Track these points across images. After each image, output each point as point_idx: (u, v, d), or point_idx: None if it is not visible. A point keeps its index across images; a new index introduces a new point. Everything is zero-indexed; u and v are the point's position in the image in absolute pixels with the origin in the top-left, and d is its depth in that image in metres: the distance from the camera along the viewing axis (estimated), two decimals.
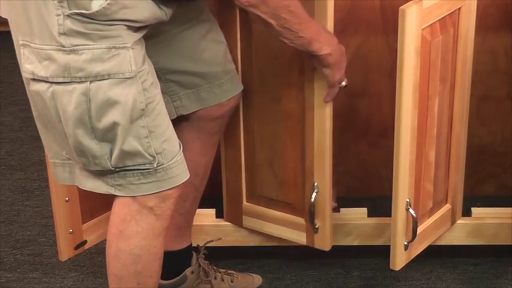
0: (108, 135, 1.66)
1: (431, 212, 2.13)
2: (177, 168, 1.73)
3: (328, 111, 1.97)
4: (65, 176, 1.79)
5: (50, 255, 2.42)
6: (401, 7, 1.82)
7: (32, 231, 2.53)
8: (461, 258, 2.37)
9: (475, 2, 2.01)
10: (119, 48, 1.62)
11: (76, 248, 2.14)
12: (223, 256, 2.31)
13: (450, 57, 2.01)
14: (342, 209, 2.26)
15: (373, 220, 2.26)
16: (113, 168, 1.69)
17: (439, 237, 2.21)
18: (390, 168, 1.99)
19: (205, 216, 2.27)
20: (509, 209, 2.26)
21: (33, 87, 1.67)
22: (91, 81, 1.61)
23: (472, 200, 2.38)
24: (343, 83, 1.92)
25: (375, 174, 2.58)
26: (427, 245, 2.15)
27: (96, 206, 2.15)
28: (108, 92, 1.62)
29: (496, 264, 2.35)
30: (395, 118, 1.91)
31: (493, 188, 2.59)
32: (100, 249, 2.41)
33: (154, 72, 1.74)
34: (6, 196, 2.71)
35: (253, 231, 2.26)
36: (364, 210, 2.27)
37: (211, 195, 2.26)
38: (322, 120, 1.98)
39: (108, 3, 1.58)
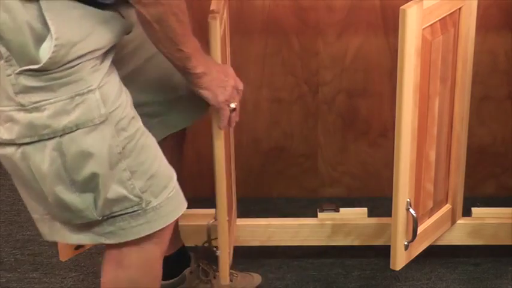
0: (89, 185, 1.57)
1: (432, 212, 2.13)
2: (169, 205, 1.66)
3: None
4: (44, 231, 1.68)
5: (50, 255, 2.42)
6: (401, 7, 1.82)
7: (32, 231, 2.53)
8: (461, 258, 2.37)
9: (476, 2, 2.01)
10: (83, 94, 1.52)
11: (76, 248, 2.14)
12: None
13: (450, 57, 2.01)
14: (342, 209, 2.26)
15: (373, 220, 2.26)
16: (99, 218, 1.61)
17: (439, 237, 2.21)
18: (390, 168, 1.99)
19: (205, 216, 2.26)
20: (509, 209, 2.26)
21: (0, 152, 1.57)
22: (61, 135, 1.52)
23: (472, 200, 2.38)
24: (232, 105, 1.78)
25: (375, 174, 2.58)
26: (428, 245, 2.15)
27: None
28: (81, 143, 1.53)
29: (496, 264, 2.35)
30: (396, 118, 1.91)
31: (493, 188, 2.60)
32: (100, 249, 2.41)
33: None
34: (7, 196, 2.71)
35: (253, 231, 2.26)
36: (364, 210, 2.27)
37: (211, 195, 2.26)
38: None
39: (55, 47, 1.46)
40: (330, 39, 2.42)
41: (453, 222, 2.22)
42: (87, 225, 1.63)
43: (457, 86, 2.06)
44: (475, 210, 2.27)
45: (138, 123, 1.62)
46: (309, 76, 2.47)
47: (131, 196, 1.60)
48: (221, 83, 1.73)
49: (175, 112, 1.86)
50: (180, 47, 1.60)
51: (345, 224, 2.25)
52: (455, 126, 2.10)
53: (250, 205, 2.54)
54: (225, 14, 2.03)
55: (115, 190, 1.59)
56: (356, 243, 2.27)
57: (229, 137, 2.14)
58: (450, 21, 1.97)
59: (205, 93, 1.71)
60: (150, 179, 1.62)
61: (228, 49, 2.08)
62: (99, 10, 1.54)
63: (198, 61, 1.65)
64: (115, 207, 1.61)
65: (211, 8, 1.84)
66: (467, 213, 2.26)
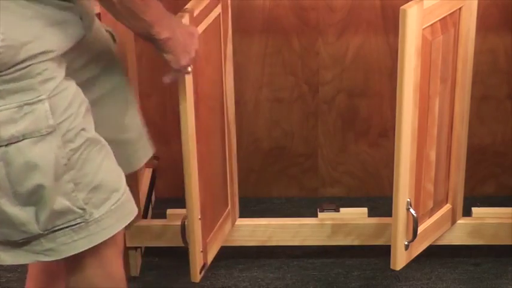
0: (32, 198, 1.51)
1: (432, 212, 2.13)
2: (111, 218, 1.60)
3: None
4: None
5: None
6: (402, 7, 1.82)
7: None
8: (461, 258, 2.37)
9: (476, 2, 2.01)
10: (32, 104, 1.46)
11: None
12: (223, 256, 2.31)
13: (451, 57, 2.01)
14: (342, 209, 2.26)
15: (374, 220, 2.26)
16: (42, 232, 1.54)
17: (440, 237, 2.21)
18: (390, 168, 1.99)
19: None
20: (510, 209, 2.26)
21: None
22: (6, 145, 1.46)
23: (472, 200, 2.38)
24: (189, 68, 1.73)
25: (375, 174, 2.58)
26: (428, 245, 2.15)
27: None
28: (27, 153, 1.47)
29: (496, 264, 2.35)
30: (396, 118, 1.91)
31: (493, 188, 2.60)
32: None
33: (91, 114, 1.60)
34: None
35: (253, 231, 2.26)
36: (365, 210, 2.27)
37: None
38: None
39: (2, 47, 1.41)
40: (330, 39, 2.42)
41: (453, 222, 2.22)
42: (25, 243, 1.57)
43: (457, 86, 2.06)
44: (475, 210, 2.27)
45: (88, 134, 1.56)
46: (309, 76, 2.47)
47: (75, 208, 1.56)
48: (186, 47, 1.66)
49: (120, 155, 1.76)
50: (141, 16, 1.54)
51: (345, 224, 2.25)
52: (456, 126, 2.10)
53: (250, 205, 2.55)
54: (229, 14, 2.03)
55: (60, 202, 1.54)
56: (356, 243, 2.27)
57: (229, 136, 2.15)
58: (450, 21, 1.97)
59: (168, 57, 1.65)
60: (91, 191, 1.57)
61: (230, 48, 2.08)
62: (57, 11, 1.50)
63: (161, 27, 1.58)
64: (58, 221, 1.55)
65: (185, 7, 1.82)
66: (467, 213, 2.26)
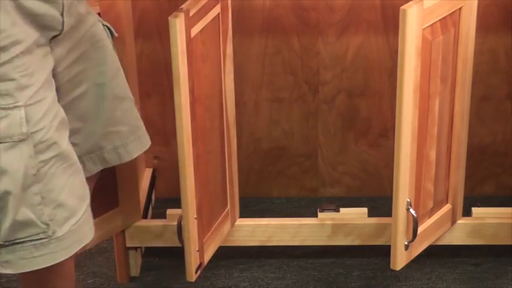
0: None
1: (432, 212, 2.13)
2: (71, 238, 1.58)
3: None
4: None
5: None
6: (402, 7, 1.82)
7: None
8: (461, 258, 2.37)
9: (476, 1, 2.01)
10: (8, 109, 1.46)
11: None
12: (223, 256, 2.31)
13: (451, 57, 2.01)
14: (342, 209, 2.26)
15: (374, 220, 2.26)
16: (2, 242, 1.52)
17: (440, 237, 2.20)
18: (390, 168, 1.99)
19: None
20: (510, 209, 2.26)
21: None
22: None
23: (472, 200, 2.38)
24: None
25: (375, 174, 2.58)
26: (428, 245, 2.15)
27: (97, 206, 2.14)
28: None
29: (496, 264, 2.35)
30: (396, 118, 1.91)
31: (493, 188, 2.60)
32: (100, 249, 2.41)
33: (66, 125, 1.60)
34: None
35: (253, 231, 2.26)
36: (365, 210, 2.27)
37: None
38: None
39: None
40: (330, 39, 2.42)
41: (453, 222, 2.22)
42: None
43: (457, 86, 2.06)
44: (475, 210, 2.27)
45: (60, 148, 1.56)
46: (309, 76, 2.47)
47: (39, 222, 1.54)
48: None
49: (111, 148, 1.80)
50: None
51: (345, 224, 2.25)
52: (456, 126, 2.10)
53: (250, 205, 2.55)
54: (229, 14, 2.03)
55: (24, 213, 1.52)
56: (356, 243, 2.27)
57: (228, 136, 2.15)
58: (450, 21, 1.97)
59: None
60: (56, 208, 1.56)
61: (230, 48, 2.08)
62: (34, 2, 1.51)
63: None
64: (20, 233, 1.53)
65: (181, 6, 1.82)
66: (467, 213, 2.26)
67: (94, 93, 1.74)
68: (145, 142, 1.90)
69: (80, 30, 1.68)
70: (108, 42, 1.78)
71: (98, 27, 1.76)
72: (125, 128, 1.82)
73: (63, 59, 1.65)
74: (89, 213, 1.65)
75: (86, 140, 1.77)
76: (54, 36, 1.60)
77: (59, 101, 1.60)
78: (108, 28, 1.80)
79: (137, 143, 1.86)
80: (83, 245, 1.62)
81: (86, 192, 1.65)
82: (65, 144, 1.58)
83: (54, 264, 1.58)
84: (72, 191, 1.59)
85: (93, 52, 1.73)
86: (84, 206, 1.62)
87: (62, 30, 1.60)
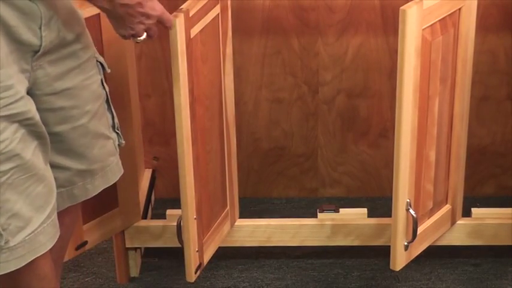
0: None
1: (432, 212, 2.13)
2: (24, 248, 1.56)
3: None
4: None
5: None
6: (401, 7, 1.82)
7: None
8: (461, 258, 2.37)
9: (475, 2, 2.01)
10: None
11: (77, 248, 2.14)
12: (223, 256, 2.31)
13: (450, 58, 2.01)
14: (341, 210, 2.26)
15: (373, 220, 2.26)
16: None
17: (439, 237, 2.21)
18: (390, 169, 2.00)
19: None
20: (509, 209, 2.26)
21: None
22: None
23: (472, 200, 2.38)
24: (141, 38, 1.68)
25: (375, 175, 2.58)
26: (427, 245, 2.15)
27: (97, 206, 2.15)
28: None
29: (496, 264, 2.35)
30: (396, 118, 1.91)
31: (493, 188, 2.60)
32: (100, 249, 2.41)
33: (38, 134, 1.58)
34: None
35: (253, 231, 2.26)
36: (364, 210, 2.27)
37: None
38: None
39: None
40: (330, 39, 2.42)
41: (453, 222, 2.22)
42: None
43: (457, 86, 2.06)
44: (475, 210, 2.27)
45: (21, 160, 1.54)
46: (309, 76, 2.47)
47: None
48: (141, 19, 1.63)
49: (81, 185, 1.78)
50: None
51: (345, 224, 2.25)
52: (455, 126, 2.10)
53: (250, 205, 2.55)
54: (229, 14, 2.03)
55: None
56: (356, 243, 2.27)
57: (228, 136, 2.15)
58: (450, 22, 1.97)
59: (112, 22, 1.63)
60: (10, 218, 1.54)
61: (230, 48, 2.08)
62: (10, 11, 1.49)
63: None
64: None
65: (181, 7, 1.81)
66: (467, 213, 2.26)
67: (76, 131, 1.71)
68: (113, 176, 1.85)
69: (71, 62, 1.64)
70: (97, 79, 1.74)
71: (91, 63, 1.72)
72: (96, 166, 1.79)
73: (49, 85, 1.61)
74: (52, 222, 1.62)
75: (62, 174, 1.74)
76: (36, 53, 1.56)
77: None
78: (101, 64, 1.77)
79: (104, 178, 1.82)
80: (38, 254, 1.60)
81: (44, 202, 1.61)
82: (28, 155, 1.56)
83: (26, 265, 1.58)
84: (29, 201, 1.57)
85: (81, 91, 1.69)
86: (42, 216, 1.60)
87: (40, 45, 1.56)
